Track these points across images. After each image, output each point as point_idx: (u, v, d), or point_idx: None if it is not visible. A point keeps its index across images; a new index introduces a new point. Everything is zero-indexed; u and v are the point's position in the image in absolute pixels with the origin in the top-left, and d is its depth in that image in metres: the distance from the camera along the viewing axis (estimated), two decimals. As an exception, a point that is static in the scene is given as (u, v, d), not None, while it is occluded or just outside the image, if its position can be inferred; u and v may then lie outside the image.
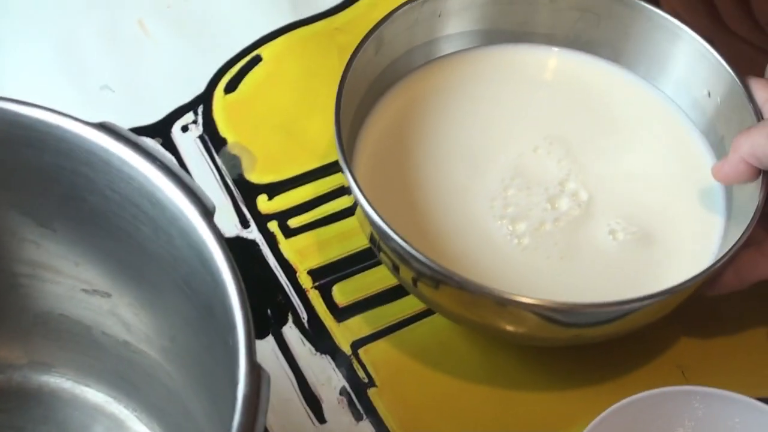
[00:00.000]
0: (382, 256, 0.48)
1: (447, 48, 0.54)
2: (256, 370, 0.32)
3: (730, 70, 0.49)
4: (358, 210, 0.47)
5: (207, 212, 0.36)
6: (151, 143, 0.38)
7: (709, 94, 0.51)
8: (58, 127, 0.38)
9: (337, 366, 0.48)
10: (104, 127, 0.38)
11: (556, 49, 0.55)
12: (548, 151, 0.52)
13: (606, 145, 0.52)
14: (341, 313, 0.50)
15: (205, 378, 0.41)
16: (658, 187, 0.51)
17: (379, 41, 0.51)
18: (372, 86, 0.52)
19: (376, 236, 0.46)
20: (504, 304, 0.44)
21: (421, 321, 0.50)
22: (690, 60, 0.51)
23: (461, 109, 0.53)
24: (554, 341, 0.48)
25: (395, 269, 0.47)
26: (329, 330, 0.49)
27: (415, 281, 0.46)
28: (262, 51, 0.57)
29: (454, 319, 0.49)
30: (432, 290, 0.46)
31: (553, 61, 0.55)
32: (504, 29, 0.54)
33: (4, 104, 0.38)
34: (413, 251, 0.44)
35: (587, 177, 0.51)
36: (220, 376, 0.38)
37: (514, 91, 0.54)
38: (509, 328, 0.46)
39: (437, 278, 0.45)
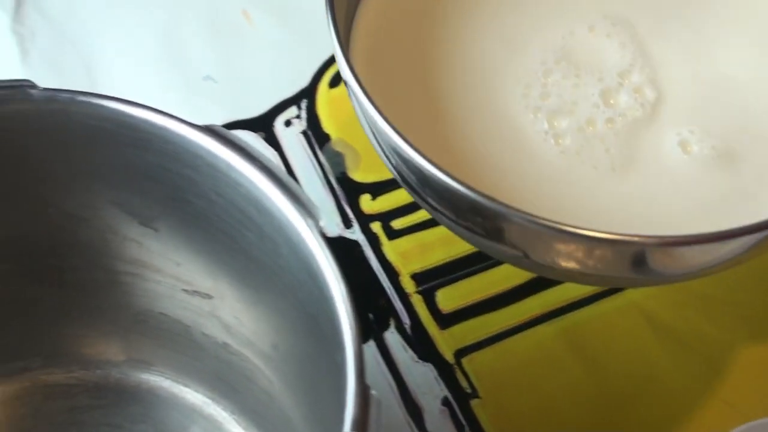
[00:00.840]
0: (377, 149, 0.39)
1: None
2: (365, 394, 0.31)
3: None
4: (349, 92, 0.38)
5: (316, 224, 0.35)
6: (258, 147, 0.37)
7: None
8: (164, 129, 0.37)
9: (440, 374, 0.47)
10: (211, 131, 0.37)
11: None
12: (608, 33, 0.42)
13: (684, 32, 0.42)
14: (445, 320, 0.48)
15: (307, 389, 0.40)
16: (747, 90, 0.41)
17: None
18: None
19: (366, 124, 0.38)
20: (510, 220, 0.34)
21: (527, 331, 0.48)
22: None
23: None
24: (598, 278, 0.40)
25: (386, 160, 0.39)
26: (432, 337, 0.48)
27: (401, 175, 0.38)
28: (369, 44, 0.56)
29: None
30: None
31: None
32: None
33: (111, 104, 0.37)
34: (396, 138, 0.35)
35: (657, 71, 0.41)
36: (324, 390, 0.37)
37: None
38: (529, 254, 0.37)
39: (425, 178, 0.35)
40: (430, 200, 0.37)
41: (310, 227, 0.35)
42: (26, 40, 0.56)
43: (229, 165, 0.37)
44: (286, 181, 0.36)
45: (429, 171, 0.36)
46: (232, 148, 0.37)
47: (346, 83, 0.39)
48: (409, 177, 0.38)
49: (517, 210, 0.35)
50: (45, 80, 0.38)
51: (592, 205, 0.38)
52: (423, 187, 0.37)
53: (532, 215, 0.35)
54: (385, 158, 0.40)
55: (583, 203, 0.38)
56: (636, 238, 0.34)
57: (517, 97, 0.40)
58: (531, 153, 0.39)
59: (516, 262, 0.40)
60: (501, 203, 0.35)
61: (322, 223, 0.35)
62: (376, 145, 0.40)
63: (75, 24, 0.56)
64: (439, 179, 0.36)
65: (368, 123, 0.39)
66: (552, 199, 0.38)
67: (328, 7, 0.39)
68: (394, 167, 0.39)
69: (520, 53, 0.41)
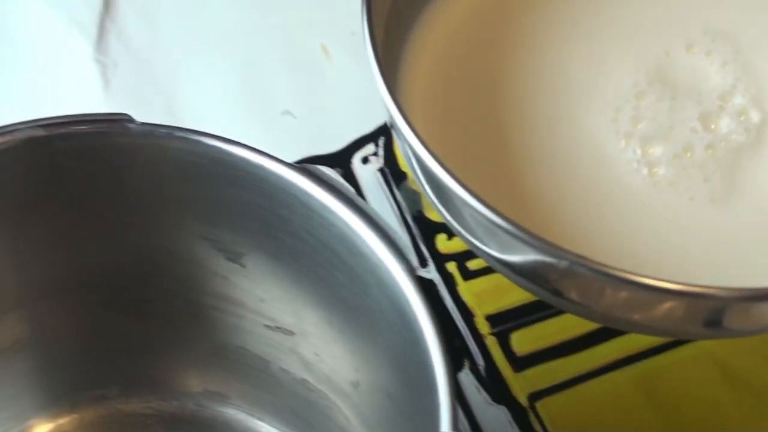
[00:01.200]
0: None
1: None
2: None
3: None
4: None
5: (411, 269, 0.35)
6: (347, 187, 0.38)
7: None
8: (260, 167, 0.38)
9: (514, 418, 0.47)
10: (306, 171, 0.38)
11: None
12: (708, 51, 0.38)
13: None
14: (519, 363, 0.49)
15: (386, 428, 0.40)
16: None
17: None
18: None
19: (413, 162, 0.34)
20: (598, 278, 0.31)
21: (601, 377, 0.48)
22: None
23: None
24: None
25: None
26: (506, 379, 0.48)
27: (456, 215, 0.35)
28: (446, 84, 0.56)
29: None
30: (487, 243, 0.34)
31: None
32: None
33: (208, 140, 0.38)
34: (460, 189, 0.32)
35: (763, 92, 0.38)
36: (405, 431, 0.37)
37: None
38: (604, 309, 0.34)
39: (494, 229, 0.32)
40: (484, 248, 0.35)
41: (404, 271, 0.35)
42: (108, 70, 0.57)
43: (323, 205, 0.37)
44: (379, 222, 0.36)
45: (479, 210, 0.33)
46: (326, 189, 0.37)
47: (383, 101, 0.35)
48: (456, 215, 0.35)
49: (578, 256, 0.32)
50: (126, 111, 0.39)
51: (688, 241, 0.35)
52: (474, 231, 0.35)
53: (593, 262, 0.31)
54: (421, 185, 0.37)
55: (678, 240, 0.35)
56: (715, 291, 0.31)
57: (606, 122, 0.37)
58: (618, 185, 0.36)
59: (575, 312, 0.38)
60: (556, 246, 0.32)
61: (414, 264, 0.36)
62: (415, 175, 0.37)
63: (156, 56, 0.57)
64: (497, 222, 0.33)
65: (413, 158, 0.35)
66: (641, 236, 0.35)
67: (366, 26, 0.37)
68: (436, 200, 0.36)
69: (609, 74, 0.38)
